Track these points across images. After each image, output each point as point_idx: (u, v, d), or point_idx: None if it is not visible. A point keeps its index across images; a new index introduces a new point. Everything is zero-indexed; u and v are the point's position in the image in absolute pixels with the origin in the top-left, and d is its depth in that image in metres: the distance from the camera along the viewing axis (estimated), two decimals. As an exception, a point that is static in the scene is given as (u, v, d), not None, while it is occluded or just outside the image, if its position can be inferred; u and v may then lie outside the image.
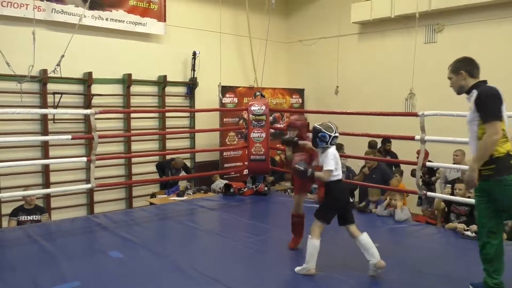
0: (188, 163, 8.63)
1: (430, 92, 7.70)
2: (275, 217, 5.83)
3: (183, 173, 7.67)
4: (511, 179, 2.97)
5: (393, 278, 3.47)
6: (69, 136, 5.51)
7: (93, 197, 7.47)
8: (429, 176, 6.89)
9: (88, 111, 5.51)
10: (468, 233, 4.51)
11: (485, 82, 3.17)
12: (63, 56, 5.95)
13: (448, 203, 5.36)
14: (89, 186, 5.45)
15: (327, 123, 3.66)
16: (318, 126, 3.64)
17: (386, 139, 7.32)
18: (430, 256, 4.04)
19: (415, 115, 5.13)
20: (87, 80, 7.29)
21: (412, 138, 5.24)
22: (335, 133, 3.63)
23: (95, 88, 7.41)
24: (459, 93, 3.25)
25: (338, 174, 3.64)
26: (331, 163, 3.57)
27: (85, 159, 5.72)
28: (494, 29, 7.25)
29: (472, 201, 4.74)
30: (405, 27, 8.30)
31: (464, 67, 3.19)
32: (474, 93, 3.07)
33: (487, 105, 3.01)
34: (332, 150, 3.62)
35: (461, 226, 4.68)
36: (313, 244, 3.50)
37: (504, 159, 2.99)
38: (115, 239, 4.45)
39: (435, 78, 7.77)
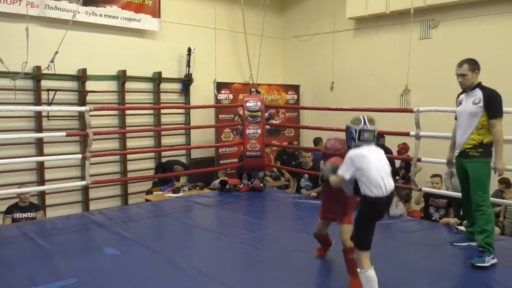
0: (184, 159, 8.63)
1: (425, 88, 7.72)
2: (271, 214, 5.85)
3: (181, 178, 7.63)
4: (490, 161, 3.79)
5: (387, 274, 3.48)
6: (64, 133, 5.50)
7: (89, 194, 7.45)
8: (406, 171, 6.99)
9: (82, 108, 5.49)
10: (462, 227, 4.53)
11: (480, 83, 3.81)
12: (56, 52, 5.91)
13: (426, 197, 5.52)
14: (84, 183, 5.43)
15: (357, 115, 3.02)
16: (349, 122, 3.01)
17: (379, 134, 7.28)
18: (424, 251, 4.07)
19: (410, 111, 5.16)
20: (81, 77, 7.25)
21: (407, 134, 5.27)
22: (365, 124, 2.95)
23: (90, 85, 7.37)
24: (466, 88, 3.82)
25: (369, 190, 2.82)
26: (343, 167, 2.91)
27: (80, 156, 5.70)
28: (489, 25, 7.27)
29: (449, 193, 5.23)
30: (400, 23, 8.30)
31: (478, 68, 3.80)
32: (478, 91, 3.73)
33: (498, 104, 3.69)
34: (354, 152, 2.88)
35: (453, 221, 4.73)
36: (366, 277, 2.84)
37: (490, 146, 3.76)
38: (111, 236, 4.44)
39: (430, 74, 7.82)
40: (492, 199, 5.23)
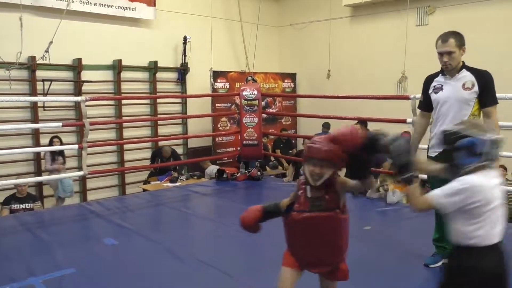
0: (181, 149, 8.62)
1: (422, 75, 7.57)
2: (269, 202, 5.86)
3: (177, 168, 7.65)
4: None
5: (384, 260, 3.51)
6: (60, 124, 5.47)
7: (86, 184, 7.44)
8: None
9: (78, 98, 5.46)
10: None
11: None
12: (51, 42, 5.88)
13: (422, 184, 5.51)
14: (81, 173, 5.43)
15: (473, 121, 2.03)
16: (456, 128, 1.95)
17: (363, 122, 7.18)
18: (422, 237, 4.08)
19: (407, 98, 5.15)
20: (76, 67, 7.20)
21: (403, 121, 5.27)
22: (492, 136, 1.89)
23: (85, 75, 7.32)
24: (451, 70, 3.12)
25: (479, 233, 1.84)
26: (453, 188, 1.86)
27: (76, 146, 5.69)
28: (485, 10, 7.25)
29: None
30: (396, 10, 8.26)
31: (464, 43, 3.09)
32: (467, 72, 3.09)
33: (494, 89, 3.10)
34: (469, 180, 1.85)
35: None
36: None
37: None
38: (109, 226, 4.45)
39: (426, 61, 7.71)
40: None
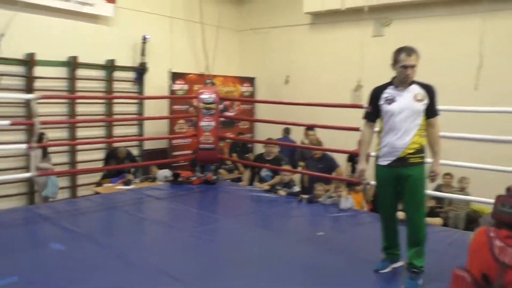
0: (136, 150, 8.46)
1: (377, 84, 7.90)
2: (224, 206, 5.86)
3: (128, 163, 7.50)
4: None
5: (336, 265, 3.58)
6: (8, 122, 5.24)
7: (34, 186, 7.16)
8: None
9: (29, 96, 5.25)
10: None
11: None
12: (3, 35, 5.63)
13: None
14: (29, 174, 5.22)
15: None
16: None
17: (310, 127, 7.30)
18: (373, 243, 4.18)
19: (361, 107, 5.27)
20: (29, 62, 6.92)
21: (357, 129, 5.39)
22: None
23: (38, 70, 7.06)
24: (408, 83, 3.28)
25: None
26: None
27: (25, 146, 5.46)
28: (438, 25, 7.56)
29: None
30: (354, 20, 8.46)
31: None
32: (415, 86, 3.29)
33: (437, 101, 3.31)
34: None
35: (402, 214, 4.88)
36: None
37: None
38: (58, 231, 4.29)
39: (381, 71, 7.91)
40: (436, 193, 5.51)
